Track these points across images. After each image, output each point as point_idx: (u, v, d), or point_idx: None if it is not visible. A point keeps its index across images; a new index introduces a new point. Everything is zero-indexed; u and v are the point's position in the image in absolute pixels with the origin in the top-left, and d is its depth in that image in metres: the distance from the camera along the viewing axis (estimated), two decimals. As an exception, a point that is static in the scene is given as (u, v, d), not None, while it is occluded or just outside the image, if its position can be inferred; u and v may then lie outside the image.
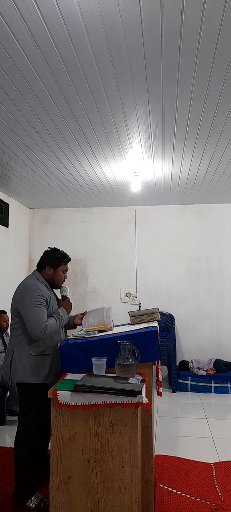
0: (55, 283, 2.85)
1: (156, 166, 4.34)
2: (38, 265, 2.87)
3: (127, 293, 6.35)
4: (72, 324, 3.02)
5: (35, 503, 2.59)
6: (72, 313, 3.04)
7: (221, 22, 2.02)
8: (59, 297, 2.95)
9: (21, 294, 2.66)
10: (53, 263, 2.81)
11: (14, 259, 5.96)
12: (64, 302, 2.88)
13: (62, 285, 2.92)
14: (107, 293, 6.40)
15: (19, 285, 2.76)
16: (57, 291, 2.95)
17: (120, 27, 2.05)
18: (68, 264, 2.93)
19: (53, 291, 2.87)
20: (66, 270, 2.91)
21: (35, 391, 2.62)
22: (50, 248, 2.91)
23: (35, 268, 2.90)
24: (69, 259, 2.92)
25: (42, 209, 6.65)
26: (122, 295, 6.37)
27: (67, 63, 2.37)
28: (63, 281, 2.90)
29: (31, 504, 2.59)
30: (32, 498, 2.61)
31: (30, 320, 2.55)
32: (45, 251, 2.90)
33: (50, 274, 2.81)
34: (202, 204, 6.27)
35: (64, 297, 2.90)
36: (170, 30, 2.08)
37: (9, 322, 4.61)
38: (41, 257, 2.88)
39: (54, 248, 2.91)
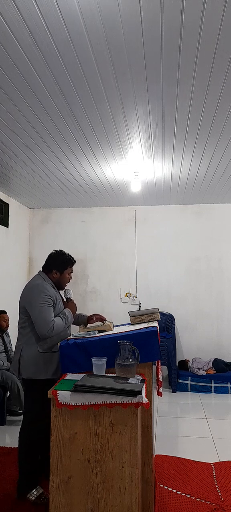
0: (61, 285, 2.95)
1: (156, 166, 4.34)
2: (44, 267, 2.94)
3: (127, 293, 6.35)
4: (85, 323, 3.13)
5: (35, 496, 2.67)
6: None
7: (221, 22, 2.02)
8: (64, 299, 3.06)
9: (29, 294, 2.75)
10: (60, 267, 2.90)
11: (14, 259, 5.96)
12: (69, 303, 2.97)
13: (66, 288, 3.01)
14: (107, 293, 6.40)
15: (26, 285, 2.86)
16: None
17: (120, 27, 2.05)
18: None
19: (59, 291, 2.97)
20: (71, 272, 3.01)
21: (42, 387, 2.65)
22: (56, 251, 2.97)
23: (41, 269, 2.96)
24: (75, 262, 3.01)
25: (42, 209, 6.65)
26: (122, 295, 6.37)
27: (67, 63, 2.37)
28: (68, 281, 3.00)
29: (31, 497, 2.67)
30: (33, 491, 2.68)
31: (38, 319, 2.65)
32: (52, 253, 2.96)
33: (57, 277, 2.90)
34: (202, 204, 6.27)
35: (69, 299, 3.00)
36: (170, 30, 2.08)
37: (9, 322, 4.69)
38: (47, 259, 2.94)
39: (61, 251, 2.97)
